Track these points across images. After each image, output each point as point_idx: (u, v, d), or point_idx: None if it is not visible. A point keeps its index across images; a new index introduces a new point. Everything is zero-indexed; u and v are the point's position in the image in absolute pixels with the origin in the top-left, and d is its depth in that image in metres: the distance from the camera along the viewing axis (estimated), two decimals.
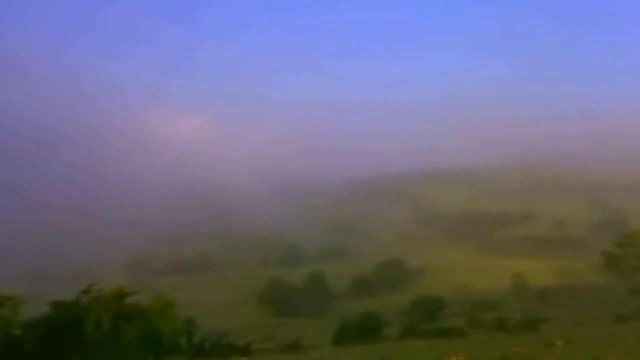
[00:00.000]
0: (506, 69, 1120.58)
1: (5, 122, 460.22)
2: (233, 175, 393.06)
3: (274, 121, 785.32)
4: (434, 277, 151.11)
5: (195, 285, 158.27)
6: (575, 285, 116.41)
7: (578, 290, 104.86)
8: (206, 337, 35.74)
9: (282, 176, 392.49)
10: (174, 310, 18.24)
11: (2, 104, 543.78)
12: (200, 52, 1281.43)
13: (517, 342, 22.65)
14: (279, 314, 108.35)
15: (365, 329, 48.02)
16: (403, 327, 49.94)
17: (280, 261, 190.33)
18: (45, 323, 17.20)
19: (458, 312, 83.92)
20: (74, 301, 17.93)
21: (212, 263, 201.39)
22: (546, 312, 70.55)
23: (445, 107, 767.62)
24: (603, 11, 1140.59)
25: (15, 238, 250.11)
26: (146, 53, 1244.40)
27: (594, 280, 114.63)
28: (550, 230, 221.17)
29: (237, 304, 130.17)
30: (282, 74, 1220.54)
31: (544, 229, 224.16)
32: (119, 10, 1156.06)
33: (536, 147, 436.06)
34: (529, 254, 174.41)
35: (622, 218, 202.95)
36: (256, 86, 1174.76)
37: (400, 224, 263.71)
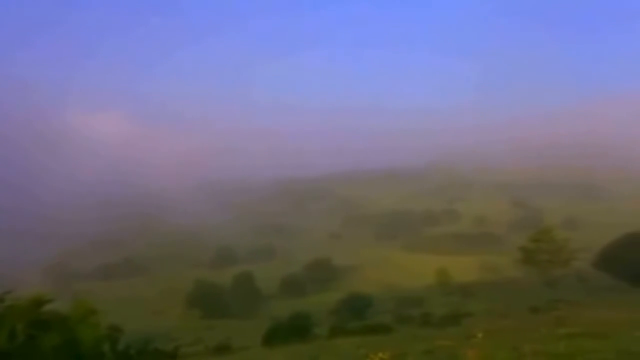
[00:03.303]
0: (434, 69, 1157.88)
1: None
2: (158, 175, 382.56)
3: (199, 120, 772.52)
4: (362, 275, 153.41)
5: (121, 290, 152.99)
6: (495, 279, 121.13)
7: (498, 285, 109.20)
8: (132, 343, 34.53)
9: (208, 176, 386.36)
10: (96, 316, 17.53)
11: None
12: (123, 48, 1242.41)
13: (441, 336, 23.38)
14: (208, 316, 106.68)
15: (295, 329, 48.14)
16: (332, 326, 50.49)
17: (209, 263, 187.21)
18: None
19: (385, 309, 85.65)
20: None
21: (138, 266, 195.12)
22: (469, 306, 73.31)
23: (371, 108, 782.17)
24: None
25: None
26: (56, 44, 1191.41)
27: (512, 275, 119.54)
28: (472, 228, 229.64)
29: (165, 308, 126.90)
30: (209, 72, 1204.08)
31: (466, 227, 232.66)
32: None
33: (459, 148, 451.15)
34: (452, 251, 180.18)
35: (538, 215, 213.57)
36: (182, 84, 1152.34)
37: (328, 223, 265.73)
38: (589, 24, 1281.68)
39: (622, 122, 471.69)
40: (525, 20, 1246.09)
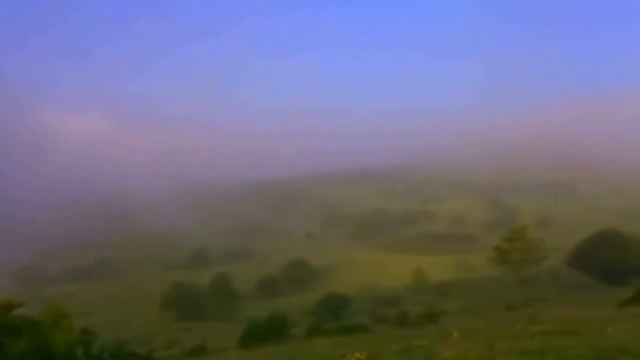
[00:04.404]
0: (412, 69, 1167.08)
1: None
2: (132, 176, 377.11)
3: (173, 120, 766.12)
4: (338, 275, 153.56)
5: (95, 293, 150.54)
6: (471, 278, 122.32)
7: (473, 284, 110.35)
8: (106, 346, 34.16)
9: (183, 177, 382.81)
10: (68, 321, 17.28)
11: None
12: (102, 48, 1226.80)
13: (417, 335, 23.51)
14: (184, 318, 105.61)
15: (272, 330, 48.00)
16: (309, 327, 50.47)
17: (184, 264, 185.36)
18: None
19: (362, 309, 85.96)
20: None
21: (112, 269, 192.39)
22: (444, 305, 73.95)
23: (347, 109, 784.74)
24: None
25: None
26: (36, 44, 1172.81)
27: (487, 273, 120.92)
28: (448, 228, 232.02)
29: (140, 311, 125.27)
30: (190, 74, 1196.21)
31: (442, 227, 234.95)
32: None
33: (434, 148, 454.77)
34: (428, 251, 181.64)
35: (512, 215, 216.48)
36: (157, 84, 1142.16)
37: (304, 224, 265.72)
38: (575, 24, 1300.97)
39: (592, 122, 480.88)
40: (503, 20, 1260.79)
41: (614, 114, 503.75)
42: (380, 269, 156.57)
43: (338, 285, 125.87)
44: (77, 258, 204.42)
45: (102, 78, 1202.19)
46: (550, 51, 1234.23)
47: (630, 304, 36.37)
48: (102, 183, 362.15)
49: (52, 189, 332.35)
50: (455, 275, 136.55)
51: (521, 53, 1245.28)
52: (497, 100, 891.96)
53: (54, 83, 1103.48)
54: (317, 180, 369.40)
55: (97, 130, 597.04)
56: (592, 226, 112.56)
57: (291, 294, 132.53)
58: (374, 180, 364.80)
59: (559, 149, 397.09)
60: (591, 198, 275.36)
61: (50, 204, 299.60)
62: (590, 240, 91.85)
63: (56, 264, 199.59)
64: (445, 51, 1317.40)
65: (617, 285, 71.35)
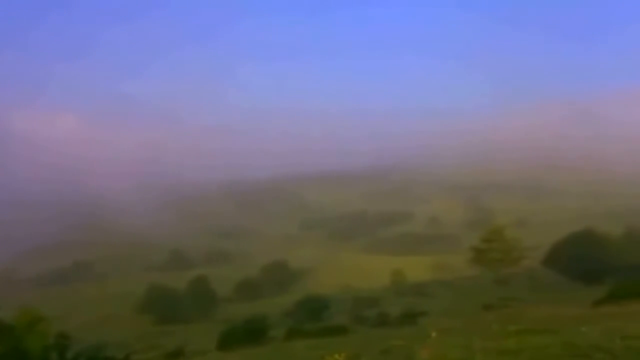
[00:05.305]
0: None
1: None
2: (107, 178, 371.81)
3: (150, 121, 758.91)
4: (318, 277, 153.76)
5: (71, 297, 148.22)
6: (449, 279, 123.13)
7: (452, 284, 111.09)
8: (82, 351, 33.65)
9: (160, 178, 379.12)
10: (43, 325, 17.01)
11: None
12: (80, 48, 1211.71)
13: (396, 335, 23.59)
14: (163, 321, 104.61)
15: (251, 332, 47.81)
16: (288, 328, 50.29)
17: (162, 267, 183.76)
18: None
19: (342, 310, 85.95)
20: None
21: (89, 272, 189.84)
22: (423, 305, 74.25)
23: (326, 111, 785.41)
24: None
25: None
26: (15, 44, 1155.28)
27: (465, 274, 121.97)
28: (426, 229, 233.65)
29: (117, 314, 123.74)
30: (158, 74, 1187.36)
31: (420, 228, 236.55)
32: None
33: (412, 150, 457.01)
34: (407, 251, 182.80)
35: (489, 216, 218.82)
36: (132, 86, 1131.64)
37: (284, 225, 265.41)
38: (561, 28, 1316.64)
39: (569, 124, 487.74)
40: (485, 19, 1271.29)
41: (591, 116, 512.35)
42: (360, 270, 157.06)
43: (317, 287, 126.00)
44: (52, 260, 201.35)
45: (75, 78, 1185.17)
46: (530, 54, 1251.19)
47: (605, 303, 36.98)
48: (77, 184, 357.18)
49: (27, 190, 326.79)
50: (433, 276, 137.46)
51: (501, 55, 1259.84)
52: (476, 103, 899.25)
53: (33, 83, 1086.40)
54: (296, 181, 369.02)
55: (73, 130, 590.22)
56: (568, 226, 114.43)
57: (270, 295, 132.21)
58: (352, 182, 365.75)
59: (535, 151, 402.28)
60: (567, 198, 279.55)
61: (24, 206, 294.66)
62: (566, 241, 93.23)
63: (31, 267, 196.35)
64: (427, 53, 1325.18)
65: (592, 285, 72.44)
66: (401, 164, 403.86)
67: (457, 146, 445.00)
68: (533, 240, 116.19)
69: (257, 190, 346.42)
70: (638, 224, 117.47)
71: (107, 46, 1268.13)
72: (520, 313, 32.96)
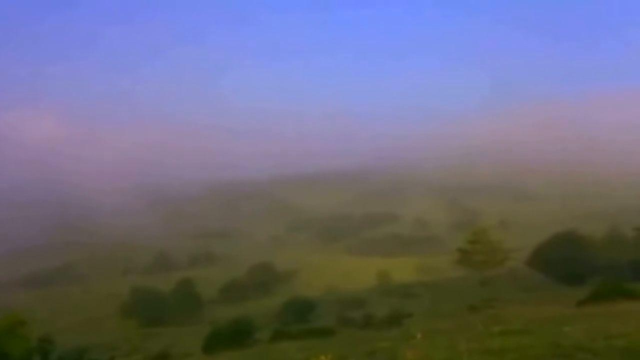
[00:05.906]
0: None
1: None
2: (91, 180, 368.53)
3: (135, 122, 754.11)
4: (304, 279, 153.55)
5: (55, 300, 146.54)
6: (434, 280, 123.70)
7: (437, 285, 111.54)
8: (65, 355, 33.29)
9: (145, 180, 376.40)
10: (26, 328, 16.77)
11: None
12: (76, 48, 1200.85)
13: (382, 337, 23.62)
14: (148, 324, 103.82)
15: (236, 334, 47.64)
16: (274, 330, 50.18)
17: (147, 270, 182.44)
18: None
19: (328, 311, 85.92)
20: None
21: (72, 275, 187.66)
22: (409, 306, 74.56)
23: (312, 112, 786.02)
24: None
25: None
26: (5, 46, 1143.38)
27: (451, 275, 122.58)
28: (411, 230, 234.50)
29: (102, 317, 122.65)
30: (148, 75, 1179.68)
31: (405, 229, 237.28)
32: None
33: (397, 152, 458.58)
34: (393, 253, 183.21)
35: (474, 217, 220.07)
36: (119, 87, 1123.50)
37: (270, 227, 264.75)
38: (549, 31, 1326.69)
39: (553, 127, 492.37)
40: (473, 18, 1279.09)
41: (574, 119, 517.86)
42: (345, 272, 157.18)
43: (303, 289, 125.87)
44: (34, 263, 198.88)
45: (60, 80, 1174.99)
46: (515, 57, 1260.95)
47: (588, 303, 37.39)
48: (62, 188, 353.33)
49: (8, 191, 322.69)
50: (418, 277, 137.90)
51: (484, 57, 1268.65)
52: (461, 105, 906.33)
53: (23, 83, 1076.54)
54: (282, 183, 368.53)
55: (56, 132, 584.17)
56: (551, 228, 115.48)
57: (256, 298, 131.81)
58: (338, 184, 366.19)
59: (519, 153, 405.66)
60: (550, 200, 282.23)
61: (7, 212, 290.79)
62: (549, 242, 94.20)
63: (12, 270, 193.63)
64: (408, 55, 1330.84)
65: (575, 285, 73.23)
66: (386, 166, 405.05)
67: (441, 148, 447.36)
68: (517, 242, 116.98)
69: (242, 192, 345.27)
70: (620, 225, 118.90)
71: (105, 46, 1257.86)
72: (504, 314, 33.18)
